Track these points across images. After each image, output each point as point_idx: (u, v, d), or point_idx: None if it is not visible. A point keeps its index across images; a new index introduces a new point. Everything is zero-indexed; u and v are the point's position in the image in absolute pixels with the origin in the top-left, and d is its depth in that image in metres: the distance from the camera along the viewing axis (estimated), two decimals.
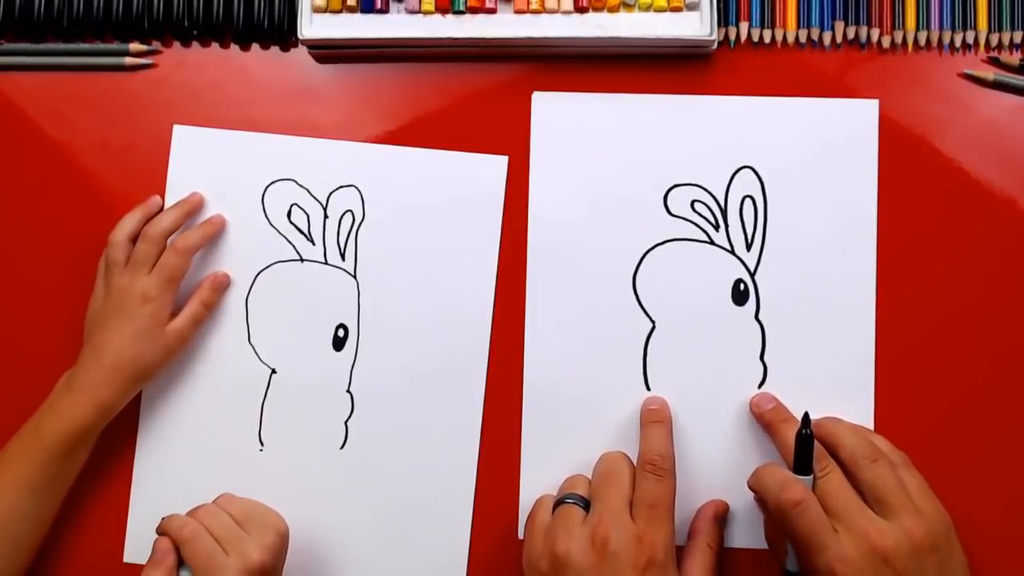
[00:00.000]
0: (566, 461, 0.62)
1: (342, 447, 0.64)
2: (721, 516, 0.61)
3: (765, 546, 0.60)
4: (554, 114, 0.65)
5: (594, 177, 0.64)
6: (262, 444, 0.64)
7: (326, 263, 0.65)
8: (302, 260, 0.65)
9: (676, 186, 0.64)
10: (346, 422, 0.64)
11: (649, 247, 0.64)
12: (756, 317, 0.63)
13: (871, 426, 0.62)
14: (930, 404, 0.62)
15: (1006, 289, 0.63)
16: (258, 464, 0.64)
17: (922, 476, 0.57)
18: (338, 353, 0.64)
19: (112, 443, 0.63)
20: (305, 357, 0.64)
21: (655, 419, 0.61)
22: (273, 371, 0.64)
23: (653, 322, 0.63)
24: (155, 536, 0.57)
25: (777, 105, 0.64)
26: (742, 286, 0.63)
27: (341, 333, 0.64)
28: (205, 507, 0.59)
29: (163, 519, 0.58)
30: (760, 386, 0.62)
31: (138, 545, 0.64)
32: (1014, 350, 0.63)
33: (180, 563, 0.56)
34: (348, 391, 0.64)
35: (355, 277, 0.65)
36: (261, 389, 0.64)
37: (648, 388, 0.63)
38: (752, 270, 0.63)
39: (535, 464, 0.63)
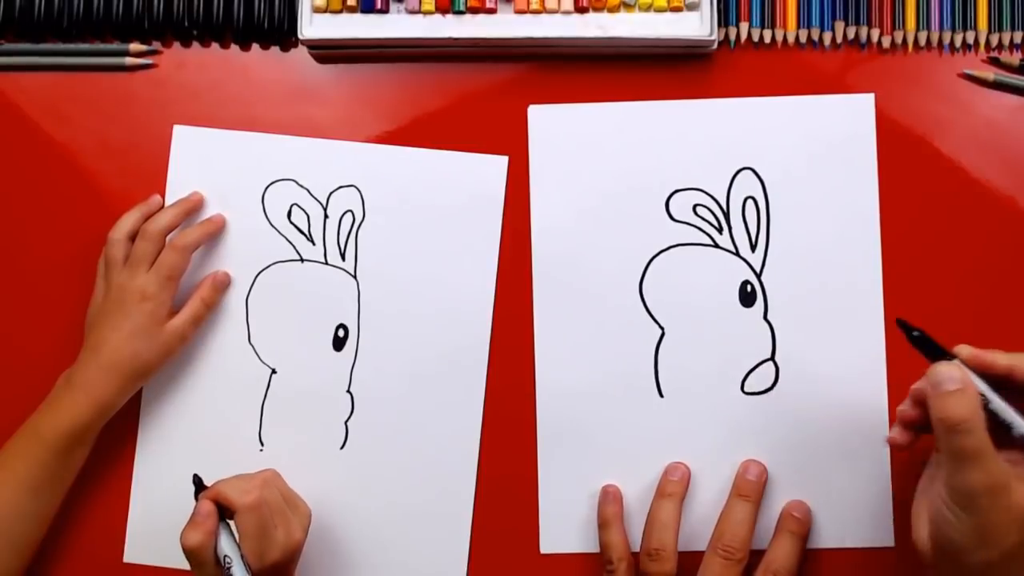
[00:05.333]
0: (584, 472, 0.63)
1: (342, 447, 0.64)
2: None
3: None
4: (550, 126, 0.64)
5: (594, 187, 0.64)
6: (262, 444, 0.64)
7: (326, 263, 0.65)
8: (302, 260, 0.65)
9: (677, 191, 0.64)
10: (346, 422, 0.64)
11: (654, 254, 0.64)
12: (765, 318, 0.63)
13: (884, 418, 0.61)
14: None
15: (1008, 287, 0.63)
16: (258, 464, 0.63)
17: None
18: (338, 353, 0.64)
19: (112, 443, 0.63)
20: (305, 357, 0.64)
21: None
22: (273, 371, 0.64)
23: (662, 328, 0.63)
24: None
25: (773, 105, 0.64)
26: (749, 287, 0.63)
27: (341, 333, 0.64)
28: (261, 478, 0.58)
29: (221, 481, 0.56)
30: (773, 386, 0.62)
31: (138, 545, 0.64)
32: (1017, 346, 0.63)
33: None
34: (348, 391, 0.64)
35: (355, 277, 0.65)
36: (261, 389, 0.64)
37: (661, 395, 0.63)
38: (758, 271, 0.63)
39: (553, 475, 0.63)
